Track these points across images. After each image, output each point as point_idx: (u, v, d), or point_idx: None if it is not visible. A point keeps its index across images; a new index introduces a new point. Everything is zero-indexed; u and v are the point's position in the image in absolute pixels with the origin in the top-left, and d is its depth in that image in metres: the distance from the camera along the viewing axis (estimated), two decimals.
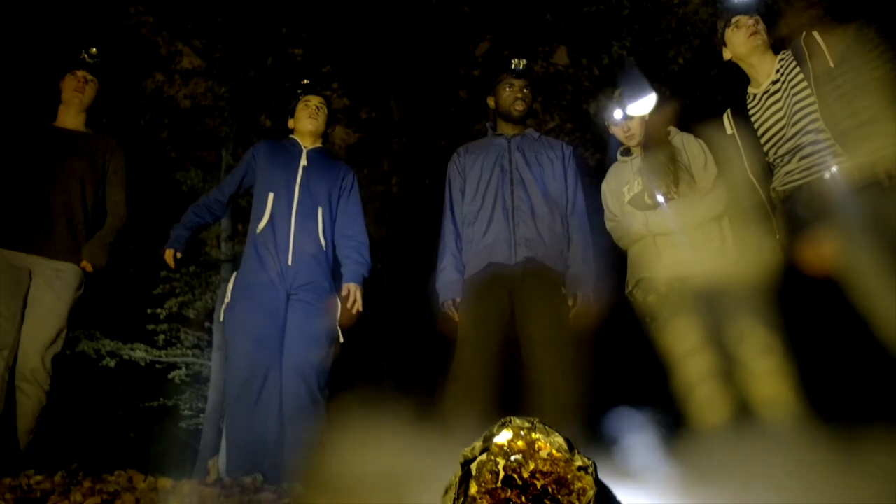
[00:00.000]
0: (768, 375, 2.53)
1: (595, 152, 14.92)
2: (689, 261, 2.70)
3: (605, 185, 3.10)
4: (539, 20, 12.50)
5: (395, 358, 9.00)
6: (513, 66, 3.03)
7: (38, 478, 3.51)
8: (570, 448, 1.07)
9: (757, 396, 2.55)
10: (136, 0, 13.33)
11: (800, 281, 2.45)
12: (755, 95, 2.63)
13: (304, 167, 3.20)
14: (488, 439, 1.08)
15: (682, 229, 2.72)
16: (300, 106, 3.46)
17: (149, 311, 10.81)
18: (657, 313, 2.78)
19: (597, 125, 12.21)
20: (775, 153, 2.54)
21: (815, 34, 2.40)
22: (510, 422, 1.09)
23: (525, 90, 3.06)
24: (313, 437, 2.73)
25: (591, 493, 1.02)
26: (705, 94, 13.45)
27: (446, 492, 1.06)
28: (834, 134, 2.31)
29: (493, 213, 2.84)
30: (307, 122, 3.36)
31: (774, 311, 2.58)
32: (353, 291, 3.08)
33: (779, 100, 2.53)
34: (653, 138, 2.93)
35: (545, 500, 1.03)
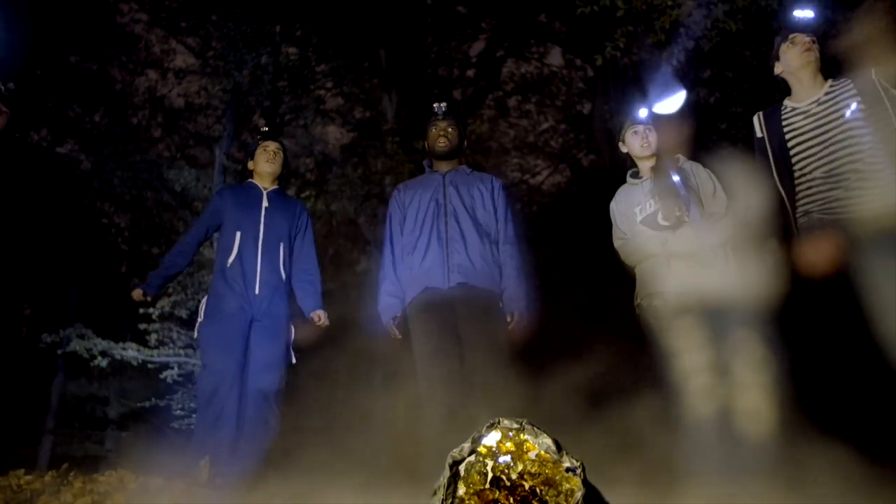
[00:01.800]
0: (755, 389, 2.65)
1: (588, 153, 14.98)
2: (697, 279, 2.86)
3: (614, 206, 3.26)
4: (533, 21, 12.52)
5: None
6: (435, 109, 3.37)
7: (29, 478, 3.49)
8: (559, 449, 1.07)
9: (740, 407, 2.68)
10: None
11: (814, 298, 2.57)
12: (794, 108, 2.71)
13: (266, 208, 3.64)
14: (476, 440, 1.08)
15: (696, 251, 2.89)
16: (259, 150, 3.84)
17: (141, 310, 10.77)
18: (663, 315, 2.93)
19: (591, 127, 12.22)
20: (803, 169, 2.63)
21: (879, 74, 2.49)
22: (499, 423, 1.09)
23: (448, 129, 3.36)
24: (267, 442, 3.27)
25: (578, 494, 1.02)
26: (699, 97, 13.49)
27: (435, 493, 1.07)
28: (886, 175, 2.39)
29: (429, 243, 3.13)
30: (266, 165, 3.77)
31: (772, 330, 2.70)
32: (321, 315, 3.58)
33: (821, 120, 2.60)
34: (665, 153, 3.10)
35: (533, 501, 1.03)
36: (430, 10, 11.71)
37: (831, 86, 2.66)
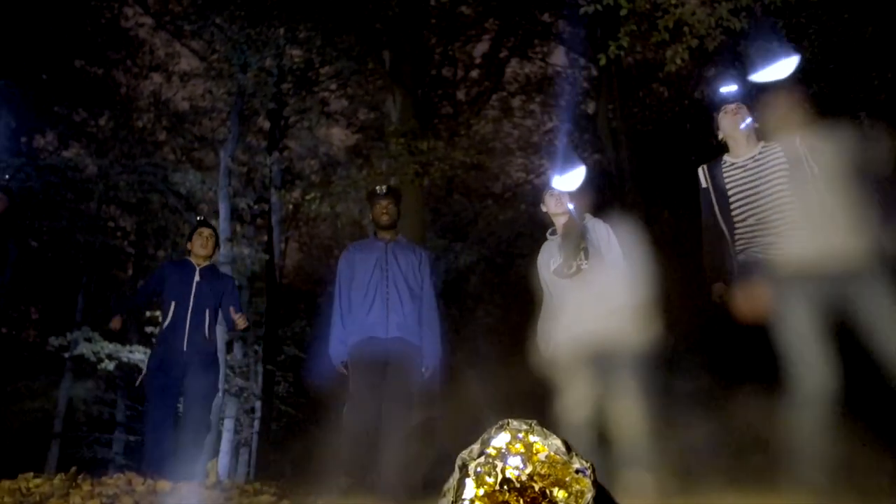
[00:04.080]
0: (628, 411, 3.28)
1: (593, 153, 14.96)
2: (590, 324, 3.41)
3: (539, 258, 3.84)
4: (536, 21, 12.50)
5: None
6: (377, 191, 4.10)
7: (38, 481, 3.50)
8: (568, 450, 1.06)
9: (615, 420, 3.31)
10: (134, 2, 13.33)
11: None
12: (733, 163, 3.16)
13: (197, 282, 4.55)
14: (486, 442, 1.08)
15: (593, 298, 3.43)
16: (195, 235, 4.71)
17: (147, 313, 10.80)
18: (557, 355, 3.54)
19: (594, 126, 12.19)
20: (740, 215, 3.08)
21: (802, 141, 2.97)
22: (507, 424, 1.09)
23: (389, 206, 4.06)
24: (204, 445, 4.59)
25: (589, 495, 1.02)
26: (701, 94, 13.46)
27: (444, 495, 1.06)
28: (803, 225, 2.88)
29: (374, 302, 3.85)
30: (200, 249, 4.66)
31: (648, 366, 3.31)
32: (241, 317, 4.58)
33: (755, 174, 3.07)
34: (577, 214, 3.70)
35: (543, 502, 1.03)
36: (434, 12, 11.70)
37: (764, 147, 3.11)
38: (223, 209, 11.09)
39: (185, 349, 4.38)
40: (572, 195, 3.71)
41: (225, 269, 10.84)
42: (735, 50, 8.62)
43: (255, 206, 12.67)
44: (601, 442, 3.32)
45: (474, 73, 14.57)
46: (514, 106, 14.98)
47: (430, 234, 12.89)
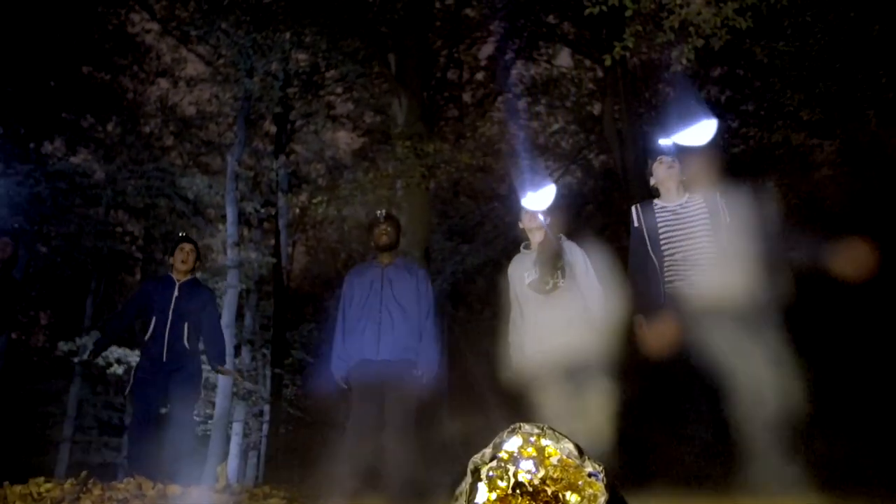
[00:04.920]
0: (597, 409, 3.49)
1: (599, 154, 14.93)
2: (562, 338, 3.64)
3: (510, 269, 4.04)
4: (541, 23, 12.49)
5: None
6: (378, 215, 4.36)
7: (49, 485, 3.52)
8: (581, 454, 1.06)
9: (585, 422, 3.46)
10: (141, 8, 13.38)
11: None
12: (664, 206, 3.62)
13: (176, 297, 4.77)
14: (498, 446, 1.08)
15: (567, 314, 3.68)
16: (177, 250, 4.92)
17: None
18: (530, 367, 3.75)
19: (600, 127, 12.17)
20: (668, 251, 3.53)
21: (720, 196, 3.47)
22: (519, 428, 1.08)
23: (388, 229, 4.29)
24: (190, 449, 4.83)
25: (602, 498, 1.01)
26: (709, 94, 13.42)
27: (456, 499, 1.06)
28: (716, 265, 3.38)
29: (367, 325, 4.08)
30: (180, 264, 4.86)
31: (617, 376, 3.56)
32: (223, 369, 5.05)
33: (682, 218, 3.55)
34: (550, 235, 3.87)
35: None
36: (439, 14, 11.71)
37: (690, 196, 3.58)
38: (230, 213, 11.12)
39: (164, 360, 4.67)
40: (545, 213, 3.89)
41: (233, 273, 10.89)
42: (741, 49, 8.60)
43: (262, 210, 12.69)
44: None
45: (480, 76, 14.58)
46: (520, 108, 14.95)
47: (437, 237, 12.88)
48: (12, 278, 5.29)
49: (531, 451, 1.06)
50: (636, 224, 3.64)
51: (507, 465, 1.05)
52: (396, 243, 4.43)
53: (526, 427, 1.07)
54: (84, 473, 3.70)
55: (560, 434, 1.07)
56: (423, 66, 9.74)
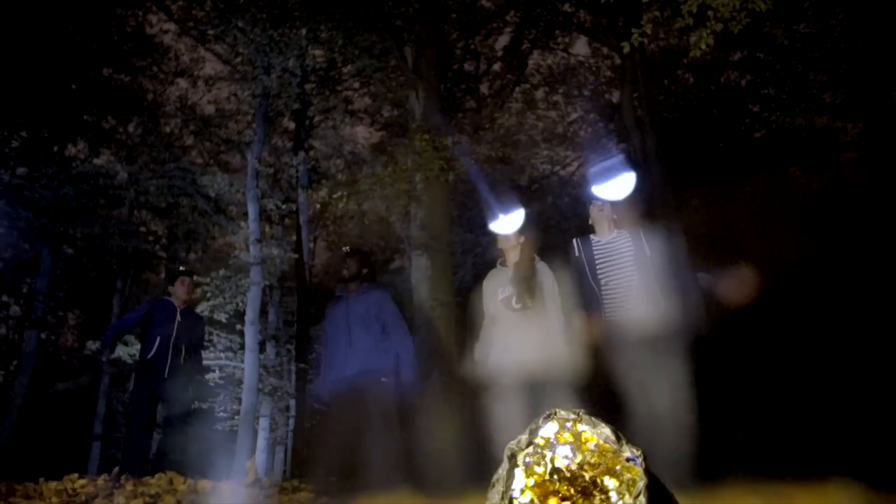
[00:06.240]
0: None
1: (619, 142, 14.80)
2: (525, 351, 3.98)
3: (485, 284, 4.39)
4: (557, 11, 12.39)
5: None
6: (343, 251, 4.91)
7: (83, 481, 3.58)
8: (618, 439, 1.06)
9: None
10: (158, 9, 13.48)
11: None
12: (599, 240, 4.12)
13: (178, 322, 5.53)
14: (534, 432, 1.07)
15: (535, 329, 4.01)
16: (178, 282, 5.73)
17: None
18: (492, 374, 4.11)
19: (619, 115, 12.06)
20: (604, 280, 4.01)
21: (643, 233, 4.00)
22: (555, 414, 1.08)
23: (349, 262, 4.74)
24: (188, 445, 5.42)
25: (641, 483, 1.01)
26: (728, 79, 13.25)
27: (493, 485, 1.06)
28: (639, 294, 3.86)
29: (338, 346, 4.55)
30: (183, 294, 5.71)
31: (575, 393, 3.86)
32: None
33: (613, 251, 4.04)
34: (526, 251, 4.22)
35: (594, 492, 1.02)
36: (455, 6, 11.65)
37: (619, 232, 4.09)
38: (252, 210, 11.18)
39: (166, 375, 5.38)
40: (521, 234, 4.25)
41: (256, 270, 10.97)
42: (761, 32, 8.47)
43: (283, 207, 12.73)
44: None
45: (496, 67, 14.48)
46: (538, 98, 14.86)
47: (458, 229, 12.87)
48: None
49: (568, 436, 1.05)
50: (577, 254, 4.13)
51: (544, 451, 1.04)
52: (358, 274, 4.82)
53: (562, 413, 1.07)
54: (116, 469, 3.77)
55: (596, 419, 1.06)
56: (439, 59, 9.71)
